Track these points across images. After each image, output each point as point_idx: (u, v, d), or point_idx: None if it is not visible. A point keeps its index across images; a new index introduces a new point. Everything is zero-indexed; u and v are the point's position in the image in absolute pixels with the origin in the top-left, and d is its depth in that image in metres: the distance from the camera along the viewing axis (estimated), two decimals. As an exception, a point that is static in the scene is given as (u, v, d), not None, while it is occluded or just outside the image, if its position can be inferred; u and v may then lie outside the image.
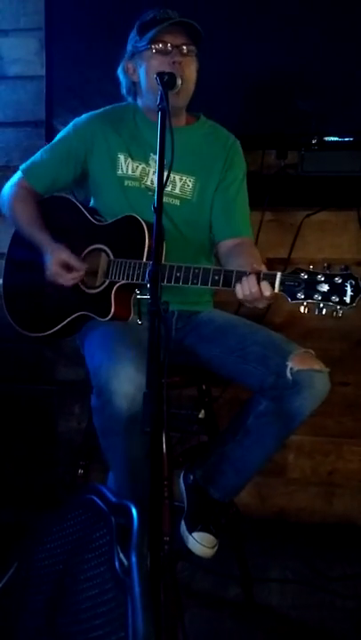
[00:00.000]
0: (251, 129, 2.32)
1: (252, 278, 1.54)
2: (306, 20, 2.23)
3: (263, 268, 1.57)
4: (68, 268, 1.80)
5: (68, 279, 1.80)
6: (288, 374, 1.64)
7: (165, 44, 1.78)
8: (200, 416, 2.07)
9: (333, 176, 2.31)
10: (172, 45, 1.78)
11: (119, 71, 1.91)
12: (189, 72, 1.80)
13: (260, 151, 2.36)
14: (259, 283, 1.54)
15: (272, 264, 2.40)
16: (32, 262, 1.93)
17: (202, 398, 2.03)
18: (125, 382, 1.53)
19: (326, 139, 2.26)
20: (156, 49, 1.79)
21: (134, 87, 1.91)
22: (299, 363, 1.65)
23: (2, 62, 2.66)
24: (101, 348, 1.69)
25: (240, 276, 1.57)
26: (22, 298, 2.00)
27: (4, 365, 2.71)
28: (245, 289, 1.55)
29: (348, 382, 2.51)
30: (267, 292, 1.53)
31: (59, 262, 1.79)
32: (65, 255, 1.80)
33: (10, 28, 2.63)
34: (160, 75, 1.57)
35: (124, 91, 1.93)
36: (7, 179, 2.02)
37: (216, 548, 1.82)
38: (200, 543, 1.81)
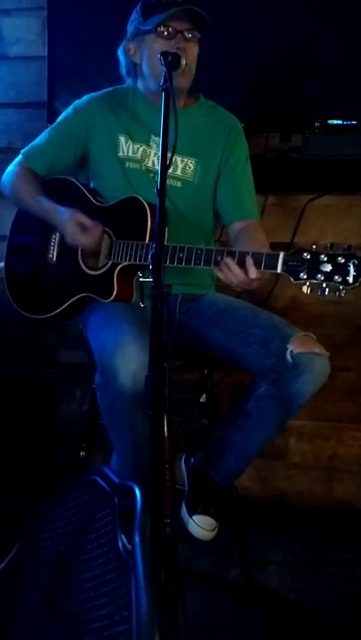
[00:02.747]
0: (254, 112, 2.30)
1: (232, 263, 1.55)
2: (311, 4, 2.21)
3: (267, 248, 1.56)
4: (83, 229, 1.78)
5: (87, 238, 1.77)
6: (288, 357, 1.64)
7: (171, 29, 1.76)
8: (201, 400, 2.07)
9: (337, 159, 2.30)
10: (176, 30, 1.76)
11: (119, 51, 1.89)
12: (193, 56, 1.80)
13: (263, 134, 2.35)
14: (260, 266, 1.54)
15: (275, 248, 2.37)
16: (34, 244, 1.92)
17: (203, 382, 2.03)
18: (129, 360, 1.53)
19: (330, 122, 2.24)
20: (160, 33, 1.77)
21: (135, 68, 1.89)
22: (299, 345, 1.65)
23: (3, 42, 2.63)
24: (105, 327, 1.69)
25: (243, 256, 1.57)
26: (24, 280, 2.00)
27: (6, 349, 2.71)
28: (230, 277, 1.56)
29: (349, 367, 2.51)
30: (252, 274, 1.53)
31: (75, 222, 1.77)
32: (79, 215, 1.78)
33: (11, 8, 2.61)
34: (164, 54, 1.56)
35: (123, 71, 1.92)
36: (9, 160, 2.01)
37: (216, 531, 1.83)
38: (200, 526, 1.82)
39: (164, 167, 1.43)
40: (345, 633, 1.89)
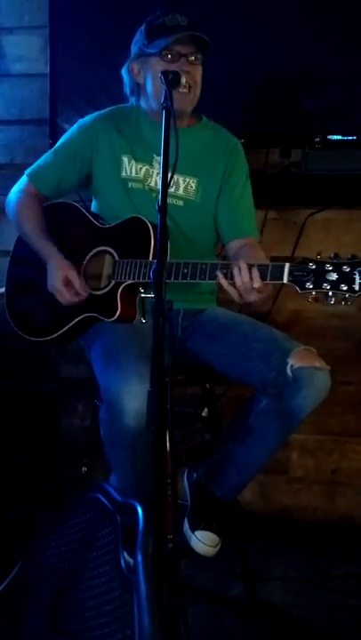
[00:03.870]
0: (254, 128, 2.32)
1: (244, 265, 1.55)
2: (309, 20, 2.23)
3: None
4: (70, 285, 1.80)
5: (67, 299, 1.80)
6: (288, 371, 1.64)
7: (174, 53, 1.78)
8: (203, 414, 2.07)
9: (337, 174, 2.32)
10: (180, 54, 1.78)
11: (123, 71, 1.91)
12: (197, 78, 1.82)
13: (263, 150, 2.37)
14: (266, 278, 1.55)
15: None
16: (36, 267, 1.92)
17: (205, 397, 2.03)
18: (134, 399, 1.52)
19: (330, 137, 2.26)
20: (164, 57, 1.79)
21: (138, 88, 1.91)
22: (299, 360, 1.65)
23: (6, 60, 2.66)
24: (111, 362, 1.67)
25: (249, 267, 1.57)
26: (25, 302, 2.00)
27: (8, 363, 2.71)
28: (237, 279, 1.56)
29: (351, 381, 2.51)
30: (256, 283, 1.54)
31: (63, 279, 1.80)
32: (70, 274, 1.80)
33: (14, 26, 2.63)
34: (164, 73, 1.57)
35: (127, 90, 1.93)
36: (11, 177, 2.03)
37: (218, 546, 1.82)
38: (202, 542, 1.81)
39: (165, 184, 1.44)
40: (349, 649, 1.88)
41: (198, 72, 1.82)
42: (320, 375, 1.66)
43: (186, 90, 1.79)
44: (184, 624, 1.54)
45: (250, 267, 1.56)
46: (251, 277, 1.55)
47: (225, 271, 1.60)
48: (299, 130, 2.31)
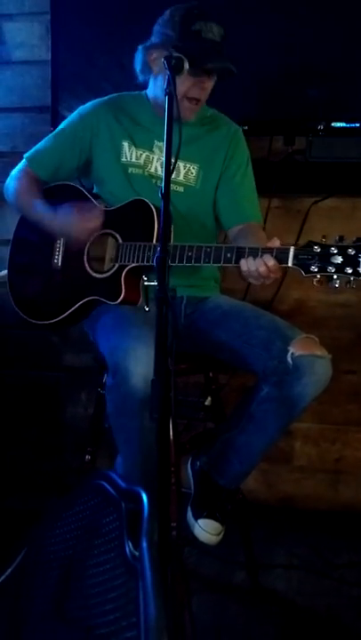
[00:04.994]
0: (258, 115, 2.31)
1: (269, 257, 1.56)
2: (313, 7, 2.21)
3: (277, 243, 1.57)
4: (84, 216, 1.78)
5: (93, 221, 1.77)
6: (289, 359, 1.63)
7: (203, 74, 1.77)
8: (206, 403, 2.07)
9: (341, 162, 2.30)
10: (203, 71, 1.76)
11: (140, 48, 1.84)
12: (208, 92, 1.83)
13: (267, 137, 2.35)
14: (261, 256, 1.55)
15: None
16: (38, 250, 1.92)
17: (208, 385, 2.03)
18: (142, 362, 1.53)
19: (333, 125, 2.25)
20: (190, 70, 1.72)
21: (149, 71, 1.87)
22: (300, 348, 1.65)
23: (7, 47, 2.64)
24: (117, 330, 1.69)
25: (253, 252, 1.57)
26: (28, 286, 2.00)
27: (11, 352, 2.71)
28: (251, 263, 1.57)
29: (354, 370, 2.50)
30: (270, 261, 1.54)
31: (74, 213, 1.78)
32: (78, 208, 1.79)
33: (15, 12, 2.61)
34: (167, 59, 1.55)
35: (137, 66, 1.88)
36: (13, 164, 2.02)
37: (221, 535, 1.83)
38: (205, 530, 1.81)
39: (168, 170, 1.42)
40: (352, 636, 1.88)
41: (212, 84, 1.82)
42: (321, 363, 1.65)
43: (194, 104, 1.81)
44: (188, 611, 1.55)
45: (255, 255, 1.56)
46: (263, 259, 1.55)
47: (230, 257, 1.60)
48: (302, 117, 2.29)
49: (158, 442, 1.36)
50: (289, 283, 2.39)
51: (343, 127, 2.25)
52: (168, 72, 1.50)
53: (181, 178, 1.90)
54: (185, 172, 1.90)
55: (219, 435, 1.89)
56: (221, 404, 2.03)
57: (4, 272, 2.05)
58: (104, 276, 1.81)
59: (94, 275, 1.83)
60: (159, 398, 1.34)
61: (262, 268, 1.56)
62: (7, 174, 2.01)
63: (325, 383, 1.67)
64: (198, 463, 1.91)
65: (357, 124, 2.24)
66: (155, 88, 1.88)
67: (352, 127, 2.25)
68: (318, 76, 2.25)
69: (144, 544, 0.82)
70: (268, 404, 1.72)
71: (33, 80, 2.62)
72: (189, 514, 1.86)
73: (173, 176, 1.86)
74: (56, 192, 1.95)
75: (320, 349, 1.68)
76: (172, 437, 1.63)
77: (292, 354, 1.64)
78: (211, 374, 2.01)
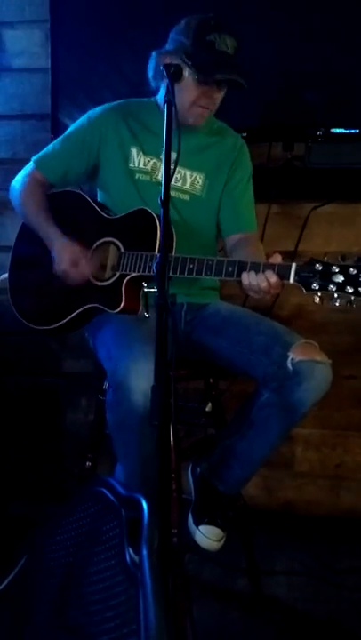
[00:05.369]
0: (257, 121, 2.31)
1: (271, 274, 1.56)
2: (312, 13, 2.22)
3: (279, 259, 1.57)
4: (76, 265, 1.80)
5: (76, 278, 1.80)
6: (289, 365, 1.63)
7: (210, 81, 1.78)
8: (207, 409, 2.07)
9: (340, 168, 2.31)
10: (214, 81, 1.78)
11: (154, 54, 1.84)
12: (218, 102, 1.84)
13: (266, 144, 2.36)
14: (263, 272, 1.56)
15: (279, 257, 2.39)
16: (39, 255, 1.92)
17: (209, 391, 2.03)
18: (143, 378, 1.52)
19: (333, 130, 2.25)
20: (200, 84, 1.77)
21: (161, 78, 1.85)
22: (300, 353, 1.65)
23: (7, 54, 2.65)
24: (118, 344, 1.68)
25: (255, 266, 1.57)
26: (29, 291, 1.99)
27: (10, 358, 2.71)
28: (252, 277, 1.57)
29: (355, 375, 2.50)
30: (272, 278, 1.54)
31: (69, 261, 1.79)
32: (75, 254, 1.80)
33: (15, 20, 2.63)
34: (166, 67, 1.56)
35: (150, 73, 1.87)
36: (13, 171, 2.02)
37: (223, 541, 1.82)
38: (206, 536, 1.81)
39: (167, 180, 1.43)
40: (354, 643, 1.88)
41: (221, 95, 1.83)
42: (321, 368, 1.65)
43: (207, 112, 1.82)
44: (189, 618, 1.54)
45: (256, 270, 1.56)
46: (265, 275, 1.56)
47: (231, 271, 1.60)
48: (302, 123, 2.30)
49: (159, 448, 1.36)
50: (289, 288, 2.37)
51: (342, 133, 2.26)
52: (167, 79, 1.51)
53: (188, 186, 1.91)
54: (191, 180, 1.91)
55: (219, 441, 1.89)
56: (222, 410, 2.03)
57: (5, 276, 2.05)
58: (105, 284, 1.81)
59: (95, 282, 1.84)
60: (159, 405, 1.34)
61: (264, 284, 1.56)
62: (7, 181, 2.02)
63: (326, 388, 1.67)
64: (199, 469, 1.91)
65: (357, 130, 2.25)
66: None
67: (351, 133, 2.26)
68: (317, 83, 2.26)
69: (144, 551, 0.82)
70: (268, 409, 1.71)
71: (33, 87, 2.63)
72: (190, 520, 1.86)
73: (180, 184, 1.89)
74: (61, 199, 1.95)
75: (320, 355, 1.68)
76: (172, 443, 1.64)
77: (292, 359, 1.64)
78: (211, 380, 2.02)
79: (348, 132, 2.26)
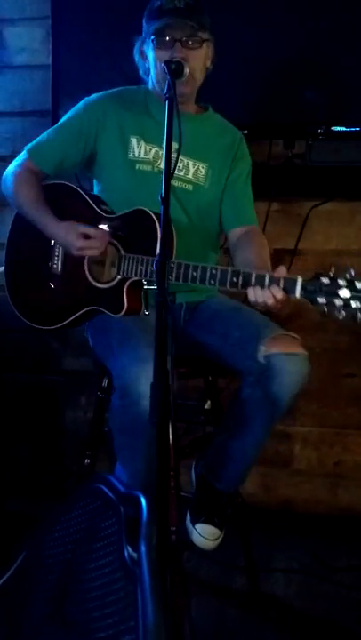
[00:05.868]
0: (258, 119, 2.31)
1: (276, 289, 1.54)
2: (314, 10, 2.22)
3: (283, 272, 1.55)
4: (88, 237, 1.74)
5: (94, 249, 1.74)
6: (260, 358, 1.63)
7: (166, 38, 1.75)
8: (206, 407, 2.07)
9: (341, 166, 2.30)
10: (174, 39, 1.74)
11: (135, 52, 1.86)
12: (194, 63, 1.77)
13: (267, 141, 2.35)
14: (269, 287, 1.54)
15: (279, 254, 2.40)
16: (37, 253, 1.90)
17: (208, 389, 2.03)
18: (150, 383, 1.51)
19: (333, 129, 2.25)
20: (158, 43, 1.76)
21: (148, 71, 1.87)
22: (271, 346, 1.64)
23: (8, 51, 2.65)
24: (124, 348, 1.65)
25: (260, 278, 1.56)
26: (28, 290, 1.96)
27: (10, 356, 2.71)
28: (258, 294, 1.55)
29: (354, 374, 2.50)
30: (278, 294, 1.53)
31: (79, 235, 1.73)
32: (81, 228, 1.74)
33: (16, 17, 2.62)
34: (168, 63, 1.56)
35: (140, 71, 1.89)
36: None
37: (219, 540, 1.82)
38: (202, 535, 1.81)
39: (169, 174, 1.42)
40: (351, 640, 1.88)
41: (195, 56, 1.77)
42: (294, 360, 1.64)
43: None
44: (187, 616, 1.54)
45: (262, 283, 1.55)
46: (271, 291, 1.54)
47: (236, 281, 1.59)
48: (302, 121, 2.30)
49: (158, 446, 1.36)
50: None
51: (343, 131, 2.26)
52: (168, 77, 1.51)
53: (190, 176, 1.88)
54: (194, 170, 1.88)
55: (213, 439, 1.90)
56: (221, 408, 2.03)
57: (1, 269, 2.02)
58: (106, 286, 1.79)
59: (95, 284, 1.81)
60: (159, 402, 1.34)
61: (270, 301, 1.54)
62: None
63: (301, 380, 1.65)
64: (198, 467, 1.91)
65: (357, 129, 2.25)
66: (152, 80, 1.85)
67: (352, 131, 2.25)
68: (318, 80, 2.26)
69: (143, 548, 0.82)
70: (250, 404, 1.71)
71: (34, 84, 2.62)
72: (188, 519, 1.86)
73: (182, 174, 1.86)
74: (55, 193, 1.89)
75: (294, 346, 1.66)
76: (171, 441, 1.64)
77: (263, 353, 1.63)
78: (210, 378, 2.02)
79: (348, 130, 2.26)
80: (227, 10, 2.22)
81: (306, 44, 2.24)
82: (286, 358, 1.63)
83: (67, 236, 1.76)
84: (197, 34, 1.76)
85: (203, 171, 1.89)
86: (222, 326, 1.79)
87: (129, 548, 0.87)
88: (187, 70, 1.66)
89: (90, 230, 1.74)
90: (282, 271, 1.55)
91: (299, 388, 1.65)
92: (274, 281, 1.54)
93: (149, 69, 1.85)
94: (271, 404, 1.67)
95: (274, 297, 1.53)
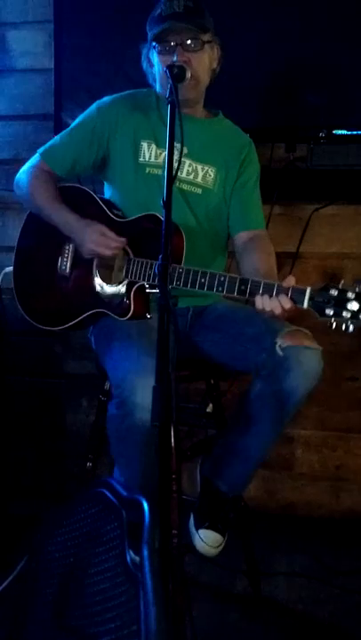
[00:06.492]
0: (260, 122, 2.31)
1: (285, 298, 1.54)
2: (316, 14, 2.22)
3: (292, 282, 1.56)
4: (104, 234, 1.75)
5: (108, 249, 1.74)
6: (278, 350, 1.63)
7: (167, 43, 1.75)
8: (208, 410, 2.07)
9: (342, 169, 2.30)
10: (176, 43, 1.75)
11: (142, 60, 1.86)
12: (197, 66, 1.77)
13: (268, 145, 2.35)
14: (277, 296, 1.54)
15: (281, 258, 2.39)
16: (46, 253, 1.90)
17: (210, 392, 2.03)
18: (149, 395, 1.46)
19: (335, 132, 2.25)
20: (159, 48, 1.77)
21: (151, 67, 1.86)
22: (288, 339, 1.65)
23: (10, 55, 2.65)
24: (124, 358, 1.65)
25: (268, 288, 1.56)
26: (35, 291, 1.96)
27: (13, 359, 2.71)
28: (266, 303, 1.56)
29: (356, 377, 2.50)
30: (287, 304, 1.53)
31: (99, 230, 1.74)
32: (102, 227, 1.75)
33: (19, 21, 2.62)
34: (169, 67, 1.57)
35: (150, 79, 1.89)
36: (15, 172, 2.00)
37: (221, 547, 1.82)
38: (205, 542, 1.81)
39: (171, 178, 1.42)
40: (353, 645, 1.88)
41: (198, 59, 1.77)
42: (310, 354, 1.64)
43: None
44: (189, 619, 1.54)
45: (270, 292, 1.55)
46: (279, 301, 1.55)
47: (244, 289, 1.59)
48: (304, 125, 2.30)
49: (160, 449, 1.36)
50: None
51: (345, 134, 2.26)
52: (170, 81, 1.51)
53: (199, 180, 1.88)
54: (203, 174, 1.88)
55: (219, 439, 1.89)
56: (223, 411, 2.04)
57: (9, 269, 2.01)
58: (113, 290, 1.79)
59: (104, 287, 1.81)
60: (160, 405, 1.34)
61: (278, 311, 1.55)
62: (9, 182, 2.01)
63: (316, 375, 1.65)
64: (204, 469, 1.91)
65: (359, 132, 2.25)
66: (158, 86, 1.86)
67: (354, 134, 2.25)
68: (320, 84, 2.26)
69: (145, 552, 0.82)
70: (261, 400, 1.71)
71: (36, 88, 2.63)
72: (191, 522, 1.86)
73: (191, 177, 1.87)
74: (68, 196, 1.88)
75: (310, 340, 1.67)
76: (173, 444, 1.64)
77: (280, 345, 1.63)
78: (212, 381, 2.02)
79: (350, 133, 2.26)
80: (228, 14, 2.22)
81: (307, 48, 2.24)
82: (302, 351, 1.64)
83: (86, 228, 1.76)
84: (198, 36, 1.77)
85: (212, 174, 1.89)
86: (234, 326, 1.79)
87: (131, 552, 0.87)
88: (189, 74, 1.66)
89: (109, 232, 1.75)
90: (290, 281, 1.56)
91: (314, 383, 1.65)
92: (282, 290, 1.55)
93: (156, 75, 1.85)
94: (283, 398, 1.66)
95: (282, 306, 1.54)
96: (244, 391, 1.79)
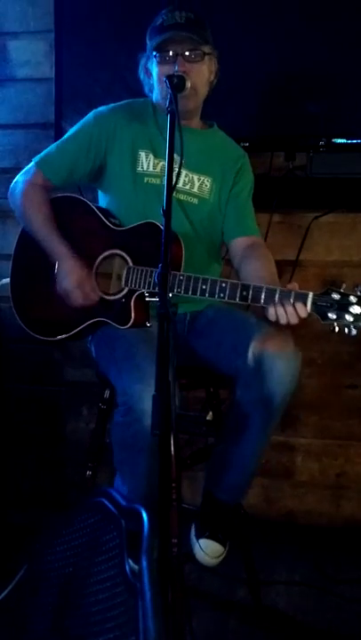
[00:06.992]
0: (259, 131, 2.32)
1: (289, 305, 1.54)
2: (314, 23, 2.23)
3: (295, 287, 1.56)
4: (82, 287, 1.77)
5: (80, 302, 1.77)
6: (250, 358, 1.63)
7: (168, 52, 1.76)
8: (208, 418, 2.07)
9: (342, 178, 2.31)
10: (176, 54, 1.76)
11: (140, 70, 1.87)
12: (196, 77, 1.78)
13: (268, 153, 2.36)
14: (293, 304, 1.54)
15: (281, 266, 2.39)
16: (42, 263, 1.90)
17: (210, 400, 2.03)
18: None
19: (334, 141, 2.26)
20: (160, 58, 1.78)
21: (153, 88, 1.87)
22: (261, 344, 1.64)
23: (11, 64, 2.67)
24: (128, 365, 1.65)
25: (270, 293, 1.57)
26: (33, 299, 1.95)
27: (13, 367, 2.71)
28: (281, 313, 1.55)
29: (356, 385, 2.50)
30: (303, 313, 1.54)
31: (76, 281, 1.76)
32: (83, 277, 1.77)
33: (19, 30, 2.64)
34: (169, 77, 1.57)
35: (146, 89, 1.89)
36: (16, 181, 2.01)
37: (221, 558, 1.82)
38: (205, 552, 1.81)
39: (170, 186, 1.43)
40: (354, 654, 1.87)
41: (197, 70, 1.78)
42: (284, 359, 1.63)
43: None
44: (188, 628, 1.54)
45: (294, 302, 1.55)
46: (295, 309, 1.54)
47: (246, 295, 1.59)
48: (303, 133, 2.31)
49: (159, 457, 1.36)
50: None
51: (344, 143, 2.27)
52: (170, 91, 1.52)
53: (196, 190, 1.89)
54: (199, 184, 1.89)
55: (214, 449, 1.89)
56: (223, 419, 2.03)
57: (6, 280, 2.02)
58: (113, 298, 1.79)
59: (103, 296, 1.81)
60: (160, 414, 1.34)
61: (294, 319, 1.55)
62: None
63: (292, 379, 1.65)
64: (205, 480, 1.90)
65: (358, 141, 2.25)
66: (157, 96, 1.86)
67: (353, 143, 2.26)
68: (319, 93, 2.27)
69: (144, 562, 0.82)
70: (244, 407, 1.71)
71: (37, 97, 2.64)
72: (192, 531, 1.85)
73: (188, 188, 1.88)
74: (63, 205, 1.89)
75: (284, 345, 1.65)
76: (173, 453, 1.63)
77: (253, 352, 1.63)
78: (212, 389, 2.02)
79: (349, 142, 2.27)
80: (227, 22, 2.23)
81: (306, 57, 2.25)
82: (277, 357, 1.63)
83: (67, 274, 1.78)
84: (199, 47, 1.78)
85: (208, 185, 1.90)
86: (218, 334, 1.79)
87: (130, 562, 0.87)
88: (188, 84, 1.66)
89: (87, 284, 1.77)
90: (293, 286, 1.57)
91: (291, 387, 1.65)
92: (285, 295, 1.55)
93: (153, 86, 1.85)
94: (265, 404, 1.66)
95: (298, 315, 1.54)
96: (230, 400, 1.79)
